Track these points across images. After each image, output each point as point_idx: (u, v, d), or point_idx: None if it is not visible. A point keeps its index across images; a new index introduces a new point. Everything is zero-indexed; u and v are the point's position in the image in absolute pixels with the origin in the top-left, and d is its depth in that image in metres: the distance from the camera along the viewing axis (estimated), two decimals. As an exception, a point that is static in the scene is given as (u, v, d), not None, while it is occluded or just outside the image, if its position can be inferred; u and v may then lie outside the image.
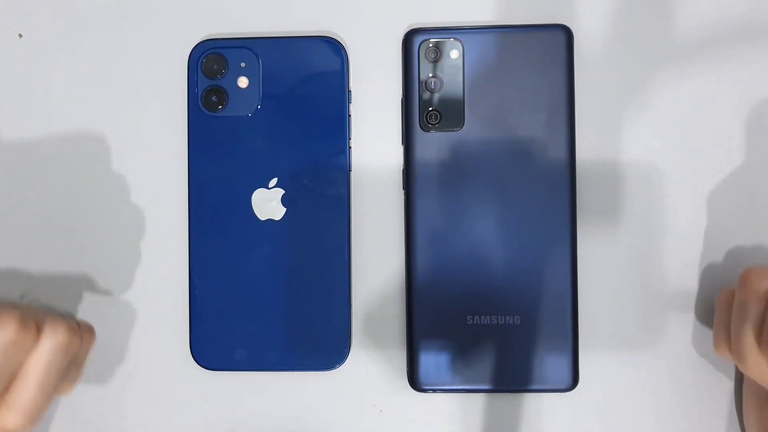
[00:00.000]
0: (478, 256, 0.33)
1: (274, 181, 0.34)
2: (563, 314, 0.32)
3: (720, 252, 0.34)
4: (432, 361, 0.33)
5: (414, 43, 0.33)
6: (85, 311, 0.35)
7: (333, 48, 0.34)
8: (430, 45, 0.33)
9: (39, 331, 0.28)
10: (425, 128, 0.33)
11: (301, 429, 0.35)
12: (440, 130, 0.33)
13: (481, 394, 0.34)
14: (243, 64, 0.34)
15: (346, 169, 0.34)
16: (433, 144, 0.33)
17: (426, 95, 0.33)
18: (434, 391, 0.33)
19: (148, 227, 0.35)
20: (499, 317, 0.33)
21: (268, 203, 0.34)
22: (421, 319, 0.33)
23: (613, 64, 0.34)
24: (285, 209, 0.34)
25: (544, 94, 0.33)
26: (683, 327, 0.34)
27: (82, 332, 0.30)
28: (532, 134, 0.33)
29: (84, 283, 0.35)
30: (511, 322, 0.32)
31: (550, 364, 0.32)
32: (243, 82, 0.34)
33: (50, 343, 0.28)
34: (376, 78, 0.35)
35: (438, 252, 0.33)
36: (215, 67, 0.34)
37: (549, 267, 0.32)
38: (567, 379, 0.33)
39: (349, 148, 0.34)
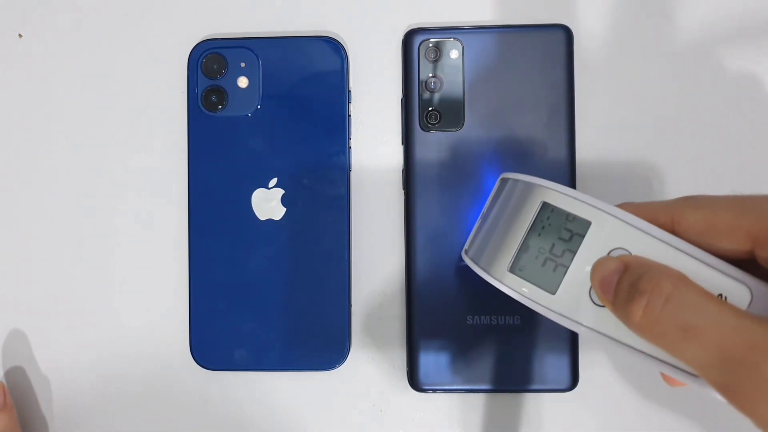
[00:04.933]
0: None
1: (273, 181, 0.34)
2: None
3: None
4: (432, 361, 0.33)
5: (414, 43, 0.33)
6: (84, 311, 0.35)
7: (333, 48, 0.34)
8: (430, 45, 0.33)
9: None
10: (425, 128, 0.33)
11: (301, 429, 0.35)
12: (440, 130, 0.33)
13: (481, 394, 0.34)
14: (243, 64, 0.34)
15: (346, 169, 0.34)
16: (433, 144, 0.33)
17: (426, 95, 0.33)
18: (434, 391, 0.33)
19: (148, 227, 0.35)
20: (499, 317, 0.33)
21: (267, 203, 0.34)
22: (421, 319, 0.33)
23: (613, 64, 0.34)
24: (285, 209, 0.34)
25: (544, 94, 0.33)
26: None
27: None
28: (532, 134, 0.33)
29: (84, 283, 0.35)
30: (511, 322, 0.32)
31: (550, 364, 0.32)
32: (243, 82, 0.34)
33: None
34: (376, 78, 0.35)
35: (438, 252, 0.33)
36: (215, 67, 0.34)
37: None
38: (567, 379, 0.33)
39: (349, 148, 0.34)
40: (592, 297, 0.24)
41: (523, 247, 0.25)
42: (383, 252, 0.34)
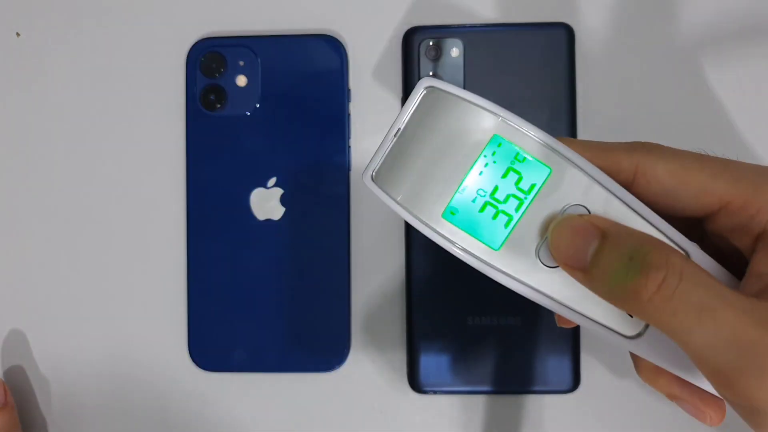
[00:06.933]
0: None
1: (272, 181, 0.33)
2: (565, 315, 0.32)
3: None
4: (432, 363, 0.33)
5: (414, 42, 0.33)
6: (83, 311, 0.35)
7: (332, 46, 0.33)
8: (431, 43, 0.33)
9: None
10: (425, 127, 0.33)
11: (301, 430, 0.34)
12: (440, 130, 0.33)
13: (481, 395, 0.34)
14: (242, 63, 0.33)
15: (345, 169, 0.33)
16: (433, 143, 0.33)
17: (426, 94, 0.33)
18: (434, 392, 0.33)
19: (147, 227, 0.35)
20: (500, 318, 0.32)
21: (266, 203, 0.33)
22: (421, 319, 0.33)
23: (614, 63, 0.34)
24: (284, 209, 0.33)
25: (545, 93, 0.32)
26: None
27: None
28: (533, 133, 0.32)
29: (82, 283, 0.35)
30: (511, 323, 0.32)
31: (552, 365, 0.32)
32: (242, 80, 0.34)
33: None
34: (376, 77, 0.34)
35: (438, 252, 0.32)
36: (214, 65, 0.34)
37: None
38: (568, 380, 0.32)
39: (349, 147, 0.34)
40: (540, 256, 0.21)
41: (461, 188, 0.21)
42: (383, 252, 0.34)
